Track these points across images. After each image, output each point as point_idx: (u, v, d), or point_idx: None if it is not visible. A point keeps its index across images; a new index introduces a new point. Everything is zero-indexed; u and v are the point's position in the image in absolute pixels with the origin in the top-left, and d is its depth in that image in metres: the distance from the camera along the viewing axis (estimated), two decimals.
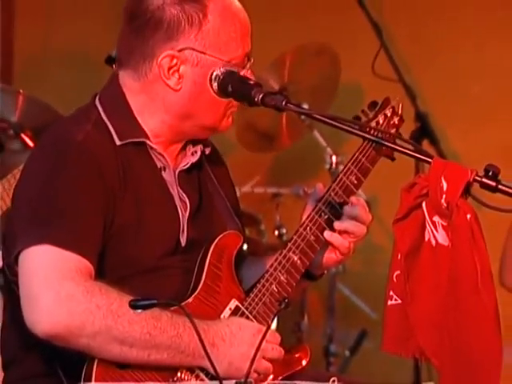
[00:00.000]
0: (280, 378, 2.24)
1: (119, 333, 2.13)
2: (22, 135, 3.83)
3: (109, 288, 2.15)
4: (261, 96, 2.25)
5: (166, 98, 2.32)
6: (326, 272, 2.52)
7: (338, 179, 2.42)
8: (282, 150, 4.39)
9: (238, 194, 2.61)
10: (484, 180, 2.16)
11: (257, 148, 4.22)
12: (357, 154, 2.43)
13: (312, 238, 2.36)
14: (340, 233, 2.37)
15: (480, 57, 4.46)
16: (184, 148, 2.39)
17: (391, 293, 2.32)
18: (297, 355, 2.35)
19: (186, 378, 2.19)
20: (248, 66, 2.33)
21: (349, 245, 2.38)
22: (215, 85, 2.29)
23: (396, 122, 2.50)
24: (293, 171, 4.62)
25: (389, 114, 2.48)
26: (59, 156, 2.26)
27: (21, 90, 4.10)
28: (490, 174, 2.15)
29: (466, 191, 2.18)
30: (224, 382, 1.80)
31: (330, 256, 2.43)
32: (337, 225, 2.37)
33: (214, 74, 2.29)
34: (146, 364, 2.16)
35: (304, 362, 2.34)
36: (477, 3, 4.46)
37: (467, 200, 2.20)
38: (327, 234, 2.36)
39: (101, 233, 2.21)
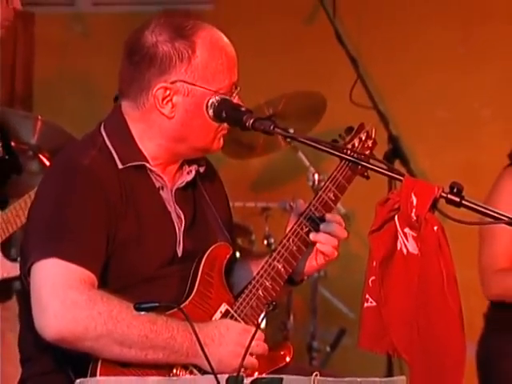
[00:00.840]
0: (266, 373, 2.22)
1: (119, 336, 2.11)
2: (40, 156, 3.81)
3: (110, 296, 2.14)
4: (251, 121, 2.24)
5: (162, 124, 2.30)
6: (306, 278, 2.49)
7: (318, 196, 2.40)
8: (259, 157, 4.40)
9: (231, 207, 2.59)
10: (449, 196, 2.15)
11: (238, 156, 4.22)
12: (334, 173, 2.41)
13: (294, 248, 2.35)
14: (314, 243, 2.36)
15: (444, 87, 4.46)
16: (181, 167, 2.36)
17: (367, 296, 2.31)
18: (281, 352, 2.33)
19: (181, 374, 2.18)
20: (235, 94, 2.31)
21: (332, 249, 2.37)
22: (211, 111, 2.27)
23: (370, 145, 2.49)
24: (280, 188, 4.62)
25: (363, 138, 2.47)
26: (68, 179, 2.25)
27: (39, 116, 4.09)
28: (455, 190, 2.15)
29: (433, 206, 2.18)
30: (218, 376, 1.77)
31: (311, 264, 2.41)
32: (312, 236, 2.35)
33: (210, 101, 2.27)
34: (144, 363, 2.14)
35: (288, 359, 2.31)
36: (441, 41, 4.46)
37: (434, 214, 2.19)
38: (312, 235, 2.35)
39: (104, 247, 2.20)
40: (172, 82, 2.26)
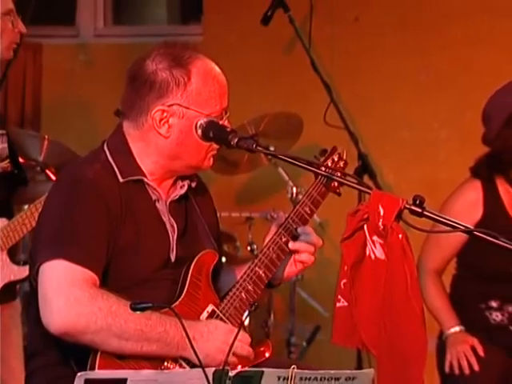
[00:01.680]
0: (247, 367, 2.20)
1: (117, 329, 2.11)
2: (47, 171, 3.80)
3: (109, 294, 2.13)
4: (236, 140, 2.24)
5: (159, 143, 2.29)
6: (283, 282, 2.49)
7: (295, 210, 2.41)
8: (244, 173, 4.41)
9: (219, 217, 2.59)
10: (412, 207, 2.15)
11: (224, 172, 4.20)
12: (310, 190, 2.42)
13: (274, 256, 2.35)
14: (292, 252, 2.37)
15: (407, 110, 4.48)
16: (175, 182, 2.35)
17: (339, 297, 2.31)
18: (261, 349, 2.33)
19: (172, 366, 2.17)
20: (225, 118, 2.31)
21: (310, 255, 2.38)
22: (199, 131, 2.27)
23: (342, 165, 2.50)
24: (262, 200, 4.62)
25: (336, 159, 2.48)
26: (73, 190, 2.25)
27: (46, 136, 4.08)
28: (417, 202, 2.15)
29: (398, 216, 2.18)
30: (205, 369, 1.76)
31: (290, 270, 2.42)
32: (291, 245, 2.36)
33: (199, 123, 2.27)
34: (139, 355, 2.13)
35: (267, 355, 2.31)
36: (404, 69, 4.48)
37: (399, 223, 2.19)
38: (291, 244, 2.36)
39: (105, 251, 2.20)
40: (169, 105, 2.26)
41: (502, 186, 3.20)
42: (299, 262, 2.39)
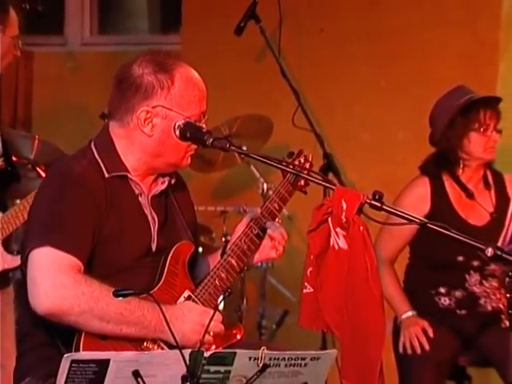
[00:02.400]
0: (221, 348, 2.21)
1: (99, 312, 2.10)
2: (37, 168, 3.78)
3: (93, 280, 2.13)
4: (211, 140, 2.24)
5: (142, 141, 2.28)
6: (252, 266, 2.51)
7: (265, 206, 2.41)
8: (219, 171, 4.40)
9: (196, 210, 2.58)
10: (372, 202, 2.16)
11: (201, 170, 4.19)
12: (279, 188, 2.43)
13: (245, 247, 2.35)
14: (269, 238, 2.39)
15: (368, 114, 4.49)
16: (156, 179, 2.35)
17: (306, 284, 2.31)
18: (234, 331, 2.32)
19: (151, 346, 2.16)
20: (203, 120, 2.31)
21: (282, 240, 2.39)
22: (177, 132, 2.26)
23: (308, 167, 2.50)
24: (235, 195, 4.62)
25: (302, 161, 2.49)
26: (62, 184, 2.23)
27: (36, 136, 4.06)
28: (376, 197, 2.16)
29: (360, 210, 2.18)
30: (182, 350, 1.75)
31: (260, 256, 2.43)
32: (269, 231, 2.37)
33: (177, 124, 2.26)
34: (119, 336, 2.12)
35: (238, 337, 2.31)
36: (365, 76, 4.49)
37: (360, 216, 2.19)
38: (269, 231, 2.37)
39: (90, 240, 2.19)
40: (153, 107, 2.25)
41: (447, 182, 3.21)
42: (270, 249, 2.39)
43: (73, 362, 1.69)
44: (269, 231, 2.37)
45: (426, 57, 4.37)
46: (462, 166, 3.19)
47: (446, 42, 4.33)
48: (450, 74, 4.11)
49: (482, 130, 3.13)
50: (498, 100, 3.22)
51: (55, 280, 2.09)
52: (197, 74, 2.32)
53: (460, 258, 3.12)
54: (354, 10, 4.54)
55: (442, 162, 3.21)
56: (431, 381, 3.04)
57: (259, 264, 4.15)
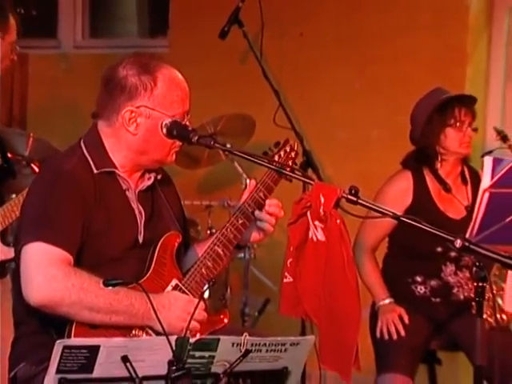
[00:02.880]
0: (207, 333, 2.20)
1: (88, 303, 2.08)
2: (32, 165, 3.77)
3: (82, 272, 2.11)
4: (196, 138, 2.24)
5: (128, 139, 2.27)
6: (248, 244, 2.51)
7: (251, 195, 2.39)
8: (204, 167, 4.37)
9: (182, 204, 2.57)
10: (348, 196, 2.16)
11: (187, 166, 4.16)
12: (264, 178, 2.42)
13: (231, 236, 2.34)
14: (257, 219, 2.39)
15: (344, 113, 4.49)
16: (143, 175, 2.33)
17: (286, 273, 2.31)
18: (221, 316, 2.31)
19: (139, 333, 2.15)
20: (186, 119, 2.29)
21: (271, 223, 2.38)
22: (164, 130, 2.25)
23: (293, 156, 2.52)
24: (220, 190, 4.60)
25: (288, 150, 2.49)
26: (52, 181, 2.21)
27: (31, 134, 4.06)
28: (353, 192, 2.16)
29: (337, 204, 2.18)
30: (169, 337, 1.74)
31: (253, 236, 2.43)
32: (257, 214, 2.37)
33: (164, 123, 2.25)
34: (109, 324, 2.11)
35: (225, 321, 2.31)
36: (342, 78, 4.48)
37: (337, 210, 2.19)
38: (257, 213, 2.37)
39: (79, 234, 2.17)
40: (137, 107, 2.24)
41: (428, 177, 3.23)
42: (261, 230, 2.39)
43: (65, 347, 1.68)
44: (266, 208, 2.36)
45: (398, 60, 4.38)
46: (440, 160, 3.21)
47: (418, 46, 4.35)
48: (421, 76, 4.12)
49: (457, 125, 3.16)
50: (472, 99, 3.23)
51: (46, 273, 2.08)
52: (180, 75, 2.31)
53: (439, 249, 3.13)
54: (331, 16, 4.54)
55: (422, 158, 3.23)
56: (406, 364, 3.05)
57: (242, 255, 4.16)
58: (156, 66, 2.26)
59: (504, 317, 2.94)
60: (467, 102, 3.20)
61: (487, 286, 2.24)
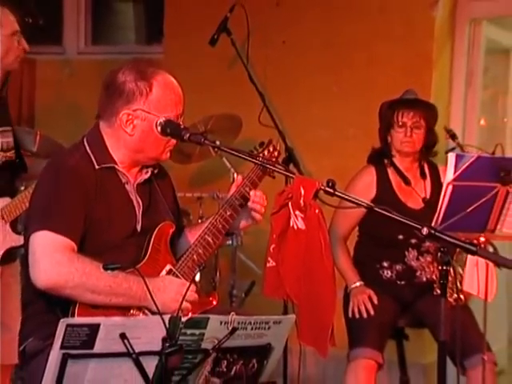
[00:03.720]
0: (198, 313, 2.20)
1: (90, 286, 2.08)
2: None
3: (85, 258, 2.10)
4: (188, 135, 2.22)
5: (125, 139, 2.26)
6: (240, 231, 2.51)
7: (238, 189, 2.39)
8: (196, 162, 4.35)
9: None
10: (326, 188, 2.16)
11: (181, 162, 4.13)
12: (250, 174, 2.42)
13: (220, 226, 2.35)
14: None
15: (323, 114, 4.48)
16: (141, 169, 2.33)
17: (269, 258, 2.31)
18: (210, 298, 2.31)
19: (136, 313, 2.15)
20: (180, 121, 2.28)
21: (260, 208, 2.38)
22: (159, 128, 2.24)
23: (276, 155, 2.53)
24: (210, 183, 4.59)
25: (271, 150, 2.49)
26: (57, 175, 2.21)
27: (38, 131, 4.04)
28: (330, 184, 2.15)
29: (315, 195, 2.18)
30: (163, 316, 1.73)
31: (243, 224, 2.45)
32: (249, 203, 2.37)
33: (158, 121, 2.24)
34: (109, 305, 2.10)
35: (214, 302, 2.30)
36: (321, 82, 4.47)
37: (316, 201, 2.19)
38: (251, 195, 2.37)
39: (82, 224, 2.16)
40: (134, 110, 2.23)
41: (390, 171, 3.24)
42: (252, 218, 2.40)
43: (68, 325, 1.66)
44: (252, 198, 2.36)
45: (371, 66, 4.39)
46: (394, 156, 3.22)
47: (389, 54, 4.35)
48: (392, 80, 4.12)
49: (397, 127, 3.17)
50: (415, 102, 3.21)
51: (52, 259, 2.07)
52: (174, 81, 2.29)
53: (400, 237, 3.14)
54: (311, 26, 4.53)
55: (383, 154, 3.25)
56: (374, 339, 3.06)
57: (230, 242, 4.16)
58: (152, 73, 2.24)
59: (462, 297, 2.96)
60: (413, 106, 3.17)
61: (450, 269, 2.26)
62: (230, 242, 4.18)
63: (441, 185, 3.17)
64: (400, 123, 3.16)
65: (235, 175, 4.20)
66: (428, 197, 3.19)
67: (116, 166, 2.27)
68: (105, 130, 2.28)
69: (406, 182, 3.20)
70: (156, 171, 2.36)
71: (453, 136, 3.31)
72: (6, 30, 2.89)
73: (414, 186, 3.21)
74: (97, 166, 2.24)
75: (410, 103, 3.20)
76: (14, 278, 3.05)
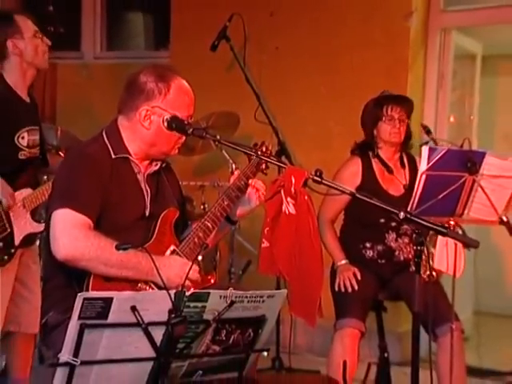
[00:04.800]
0: (199, 289, 2.16)
1: (104, 259, 2.06)
2: (60, 152, 3.74)
3: (100, 234, 2.09)
4: (191, 130, 2.21)
5: (142, 133, 2.24)
6: (239, 219, 2.48)
7: (234, 183, 2.38)
8: (198, 154, 4.33)
9: (180, 184, 2.54)
10: (314, 177, 2.14)
11: (185, 154, 4.10)
12: (245, 169, 2.40)
13: (218, 213, 2.33)
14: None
15: (312, 112, 4.47)
16: (151, 162, 2.31)
17: (264, 240, 2.30)
18: (209, 277, 2.29)
19: (144, 287, 2.13)
20: (191, 120, 2.26)
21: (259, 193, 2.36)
22: (165, 123, 2.22)
23: (268, 153, 2.48)
24: (211, 172, 4.58)
25: (264, 149, 2.47)
26: (77, 161, 2.19)
27: (59, 127, 4.04)
28: (318, 174, 2.13)
29: (305, 184, 2.16)
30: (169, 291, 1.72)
31: (241, 211, 2.42)
32: (249, 189, 2.36)
33: (165, 117, 2.22)
34: (120, 278, 2.09)
35: (212, 281, 2.28)
36: (310, 84, 4.46)
37: (305, 188, 2.18)
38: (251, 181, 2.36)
39: (98, 204, 2.15)
40: (152, 107, 2.21)
41: (373, 161, 3.23)
42: (250, 205, 2.37)
43: (85, 299, 1.65)
44: (251, 184, 2.33)
45: (355, 70, 4.37)
46: (379, 148, 3.20)
47: (370, 59, 4.34)
48: (373, 83, 4.09)
49: (386, 120, 3.15)
50: (401, 98, 3.20)
51: (70, 234, 2.05)
52: (188, 85, 2.28)
53: (382, 220, 3.13)
54: (301, 34, 4.51)
55: (367, 146, 3.23)
56: (358, 311, 3.05)
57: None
58: (171, 76, 2.24)
59: (434, 273, 2.96)
60: (399, 101, 3.17)
61: (424, 249, 2.25)
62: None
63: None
64: (389, 117, 3.14)
65: (233, 166, 4.23)
66: (407, 184, 3.18)
67: (130, 157, 2.25)
68: (122, 124, 2.26)
69: (389, 170, 3.19)
70: (164, 165, 2.35)
71: (428, 131, 3.28)
72: (28, 33, 2.87)
73: (395, 174, 3.20)
74: (113, 156, 2.22)
75: (398, 99, 3.19)
76: (32, 259, 3.03)
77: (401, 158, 3.24)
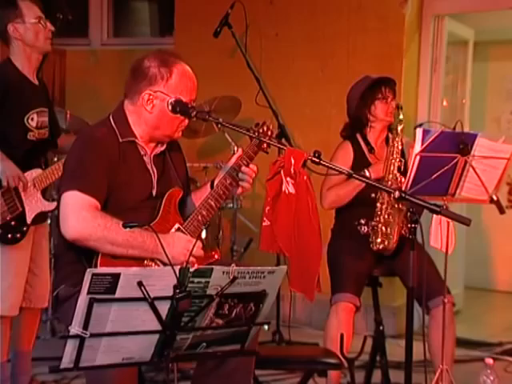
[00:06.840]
0: (203, 265, 2.16)
1: (111, 239, 2.05)
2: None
3: (107, 215, 2.08)
4: (195, 113, 2.18)
5: (145, 116, 2.21)
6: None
7: (236, 162, 2.34)
8: (202, 137, 4.31)
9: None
10: (313, 158, 2.12)
11: (189, 137, 4.08)
12: (246, 149, 2.36)
13: (221, 192, 2.30)
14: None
15: (309, 95, 4.45)
16: (157, 144, 2.29)
17: (265, 218, 2.29)
18: (213, 253, 2.27)
19: (150, 264, 2.12)
20: (192, 104, 2.23)
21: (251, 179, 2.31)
22: (170, 107, 2.19)
23: (270, 134, 2.44)
24: (214, 154, 4.57)
25: (265, 129, 2.42)
26: (86, 145, 2.17)
27: (68, 111, 4.02)
28: (316, 155, 2.12)
29: (304, 164, 2.15)
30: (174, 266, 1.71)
31: (237, 191, 2.37)
32: (240, 175, 2.31)
33: (169, 101, 2.19)
34: (126, 256, 2.08)
35: (216, 257, 2.26)
36: (308, 69, 4.44)
37: (304, 169, 2.16)
38: (244, 169, 2.30)
39: (105, 186, 2.13)
40: (154, 91, 2.18)
41: (360, 140, 3.21)
42: (242, 186, 2.34)
43: (93, 274, 1.63)
44: (243, 169, 2.30)
45: (351, 55, 4.34)
46: (369, 127, 3.18)
47: (366, 44, 4.31)
48: (369, 67, 4.05)
49: (383, 99, 3.13)
50: (393, 82, 3.21)
51: (79, 215, 2.04)
52: (190, 70, 2.25)
53: (373, 195, 3.10)
54: (300, 21, 4.47)
55: (355, 126, 3.22)
56: (353, 286, 3.04)
57: (231, 206, 4.14)
58: (173, 62, 2.20)
59: (386, 243, 2.98)
60: (390, 83, 3.19)
61: (417, 227, 2.24)
62: (231, 205, 4.15)
63: (402, 153, 3.14)
64: (384, 97, 3.15)
65: (235, 148, 4.20)
66: None
67: (136, 140, 2.23)
68: (128, 108, 2.23)
69: (370, 150, 3.20)
70: (169, 146, 2.32)
71: (400, 109, 3.25)
72: (29, 17, 2.82)
73: (380, 153, 3.19)
74: (121, 140, 2.20)
75: (391, 81, 3.21)
76: (43, 236, 3.02)
77: (386, 137, 3.25)
